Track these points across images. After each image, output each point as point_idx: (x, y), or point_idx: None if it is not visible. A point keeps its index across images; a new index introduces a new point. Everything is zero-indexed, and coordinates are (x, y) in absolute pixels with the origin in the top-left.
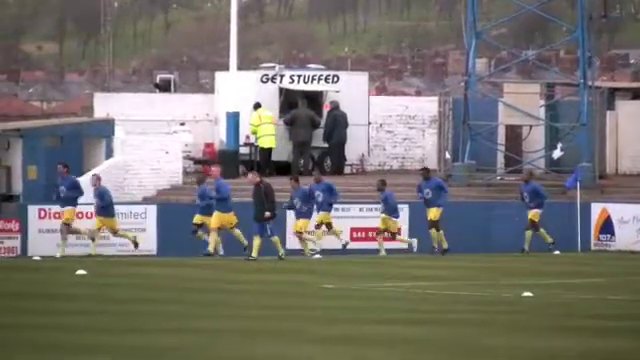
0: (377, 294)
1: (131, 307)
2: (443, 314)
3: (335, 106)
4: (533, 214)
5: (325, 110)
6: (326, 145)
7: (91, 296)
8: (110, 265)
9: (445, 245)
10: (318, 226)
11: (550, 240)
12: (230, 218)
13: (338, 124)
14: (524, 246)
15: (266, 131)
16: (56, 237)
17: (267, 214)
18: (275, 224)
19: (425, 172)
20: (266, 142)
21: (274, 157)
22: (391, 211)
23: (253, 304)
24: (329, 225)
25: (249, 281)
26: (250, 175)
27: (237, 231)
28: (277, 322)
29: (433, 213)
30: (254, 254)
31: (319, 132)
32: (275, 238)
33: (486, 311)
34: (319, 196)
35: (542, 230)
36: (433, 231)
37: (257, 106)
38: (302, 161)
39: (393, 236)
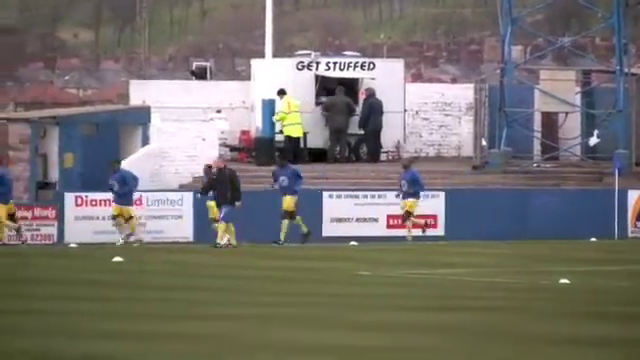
0: (413, 281)
1: (164, 294)
2: (479, 301)
3: (371, 93)
4: (410, 204)
5: (361, 97)
6: (362, 132)
7: (125, 283)
8: (147, 252)
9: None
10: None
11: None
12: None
13: (374, 111)
14: (406, 236)
15: (294, 119)
16: (92, 224)
17: (237, 204)
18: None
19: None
20: (293, 131)
21: (309, 144)
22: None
23: (287, 291)
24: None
25: (283, 268)
26: (214, 160)
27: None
28: (312, 309)
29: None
30: (226, 240)
31: (355, 119)
32: (222, 225)
33: (523, 298)
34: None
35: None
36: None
37: (281, 92)
38: (338, 148)
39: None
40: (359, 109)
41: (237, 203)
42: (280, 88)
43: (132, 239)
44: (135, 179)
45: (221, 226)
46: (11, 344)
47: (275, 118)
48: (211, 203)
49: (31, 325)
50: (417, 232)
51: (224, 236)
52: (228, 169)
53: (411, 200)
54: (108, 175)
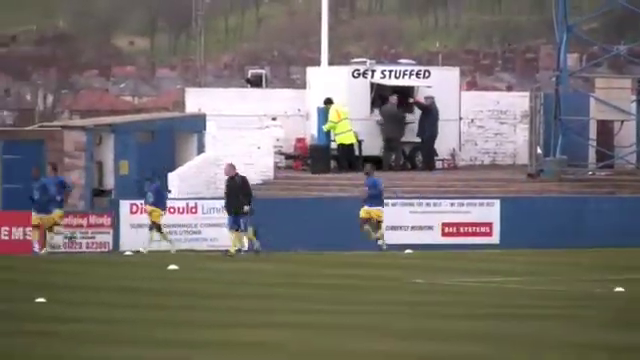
0: (468, 289)
1: (218, 302)
2: (533, 309)
3: (431, 102)
4: (377, 212)
5: (418, 102)
6: (417, 140)
7: (179, 291)
8: (202, 260)
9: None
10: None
11: (375, 236)
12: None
13: (432, 119)
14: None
15: (344, 127)
16: (147, 232)
17: (246, 208)
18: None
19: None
20: (346, 139)
21: (365, 152)
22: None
23: (341, 299)
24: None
25: (338, 276)
26: (226, 167)
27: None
28: (367, 317)
29: (366, 211)
30: (232, 249)
31: (411, 127)
32: (248, 233)
33: (576, 306)
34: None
35: (368, 227)
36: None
37: (328, 101)
38: (393, 156)
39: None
40: (413, 117)
41: (245, 207)
42: (326, 97)
43: (43, 251)
44: (65, 186)
45: (249, 234)
46: (71, 351)
47: (325, 128)
48: (150, 208)
49: (89, 333)
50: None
51: (237, 243)
52: (239, 176)
53: (377, 208)
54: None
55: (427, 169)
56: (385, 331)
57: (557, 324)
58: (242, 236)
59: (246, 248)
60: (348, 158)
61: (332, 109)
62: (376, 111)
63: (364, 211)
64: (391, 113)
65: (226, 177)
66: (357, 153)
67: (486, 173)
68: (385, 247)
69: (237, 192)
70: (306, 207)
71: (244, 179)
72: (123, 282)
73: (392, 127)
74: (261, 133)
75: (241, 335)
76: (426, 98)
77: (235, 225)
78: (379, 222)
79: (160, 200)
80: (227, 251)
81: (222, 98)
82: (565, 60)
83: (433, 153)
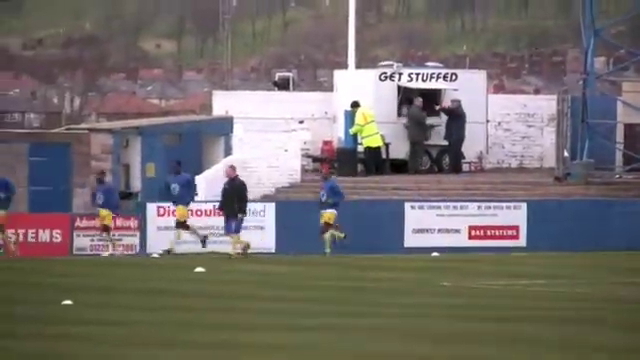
0: (494, 292)
1: (246, 304)
2: (558, 312)
3: (458, 105)
4: (328, 216)
5: (446, 106)
6: (444, 143)
7: (207, 293)
8: (229, 262)
9: (336, 238)
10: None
11: (342, 235)
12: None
13: (459, 122)
14: (325, 250)
15: (371, 130)
16: (174, 234)
17: (240, 215)
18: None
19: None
20: (372, 141)
21: (391, 155)
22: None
23: (369, 301)
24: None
25: (365, 278)
26: (228, 168)
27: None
28: (394, 320)
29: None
30: (233, 252)
31: (437, 130)
32: (235, 236)
33: (603, 309)
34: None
35: (332, 232)
36: (326, 235)
37: (355, 104)
38: (424, 160)
39: (327, 228)
40: (440, 120)
41: (239, 215)
42: (353, 100)
43: None
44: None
45: (235, 238)
46: (99, 354)
47: (352, 131)
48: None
49: (116, 335)
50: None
51: (236, 246)
52: (239, 180)
53: (329, 211)
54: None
55: (454, 172)
56: (411, 334)
57: (584, 327)
58: (235, 238)
59: (239, 250)
60: (375, 161)
61: (359, 112)
62: (403, 114)
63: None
64: (415, 116)
65: (226, 179)
66: (384, 156)
67: (513, 176)
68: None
69: (234, 195)
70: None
71: (243, 184)
72: (150, 284)
73: (416, 130)
74: (288, 136)
75: (268, 338)
76: (452, 101)
77: (230, 228)
78: (328, 225)
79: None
80: (229, 255)
81: (249, 101)
82: (592, 63)
83: (460, 156)
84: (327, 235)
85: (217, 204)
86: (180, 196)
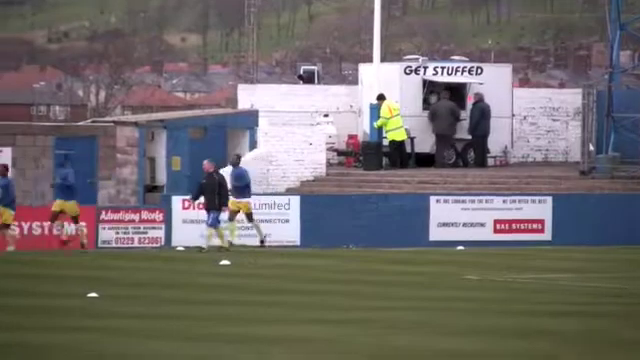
0: (520, 286)
1: (271, 297)
2: (585, 306)
3: (480, 98)
4: (244, 205)
5: (469, 102)
6: (469, 137)
7: (232, 286)
8: (254, 255)
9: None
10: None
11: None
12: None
13: (483, 116)
14: (261, 238)
15: (396, 124)
16: (199, 227)
17: (225, 208)
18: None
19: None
20: (397, 135)
21: (416, 148)
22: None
23: (394, 295)
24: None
25: (390, 272)
26: (205, 162)
27: None
28: (419, 313)
29: (235, 203)
30: (224, 244)
31: (462, 124)
32: (210, 230)
33: (628, 303)
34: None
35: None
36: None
37: (381, 97)
38: (449, 153)
39: (249, 218)
40: (466, 114)
41: (224, 207)
42: (379, 93)
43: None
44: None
45: (209, 231)
46: (122, 347)
47: (376, 124)
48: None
49: (141, 328)
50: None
51: (209, 240)
52: (217, 174)
53: (245, 200)
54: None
55: (479, 166)
56: (436, 327)
57: (609, 321)
58: (210, 231)
59: (213, 244)
60: (399, 155)
61: (384, 105)
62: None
63: (233, 203)
64: (444, 109)
65: (206, 173)
66: (409, 150)
67: (538, 170)
68: (265, 239)
69: (214, 189)
70: (358, 204)
71: (223, 178)
72: (175, 277)
73: (444, 123)
74: (313, 129)
75: (292, 331)
76: (475, 94)
77: (213, 221)
78: (249, 214)
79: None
80: (219, 247)
81: (274, 94)
82: (618, 57)
83: (485, 150)
84: (257, 224)
85: (190, 196)
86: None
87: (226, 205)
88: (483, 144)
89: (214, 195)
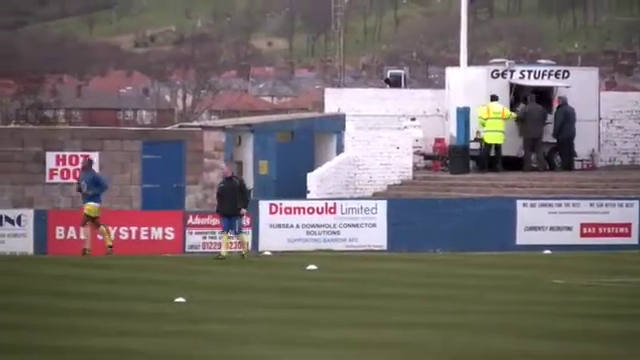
0: (607, 290)
1: (355, 301)
2: None
3: (563, 102)
4: (89, 208)
5: (554, 105)
6: (555, 141)
7: (320, 291)
8: (341, 260)
9: (109, 243)
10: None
11: (109, 244)
12: None
13: (568, 119)
14: (85, 247)
15: (493, 126)
16: (287, 232)
17: (243, 211)
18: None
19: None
20: (492, 138)
21: (504, 152)
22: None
23: (481, 299)
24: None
25: (475, 276)
26: (224, 166)
27: None
28: (507, 317)
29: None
30: (223, 252)
31: (548, 128)
32: (242, 236)
33: None
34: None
35: (103, 228)
36: (101, 228)
37: (493, 98)
38: (534, 156)
39: (96, 222)
40: (552, 117)
41: (243, 210)
42: (492, 94)
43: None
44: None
45: (242, 237)
46: (211, 351)
47: (477, 123)
48: None
49: (230, 333)
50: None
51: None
52: (236, 177)
53: (91, 204)
54: (303, 183)
55: (565, 169)
56: (524, 331)
57: None
58: (243, 237)
59: (247, 250)
60: (489, 158)
61: (484, 106)
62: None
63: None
64: (537, 112)
65: (223, 177)
66: (492, 153)
67: (625, 174)
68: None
69: (233, 194)
70: (444, 207)
71: (242, 182)
72: (264, 282)
73: (537, 127)
74: (400, 133)
75: (383, 335)
76: (558, 98)
77: (231, 227)
78: (95, 218)
79: None
80: (219, 254)
81: (361, 98)
82: None
83: (572, 153)
84: (100, 229)
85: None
86: None
87: (245, 207)
88: (569, 147)
89: (233, 200)
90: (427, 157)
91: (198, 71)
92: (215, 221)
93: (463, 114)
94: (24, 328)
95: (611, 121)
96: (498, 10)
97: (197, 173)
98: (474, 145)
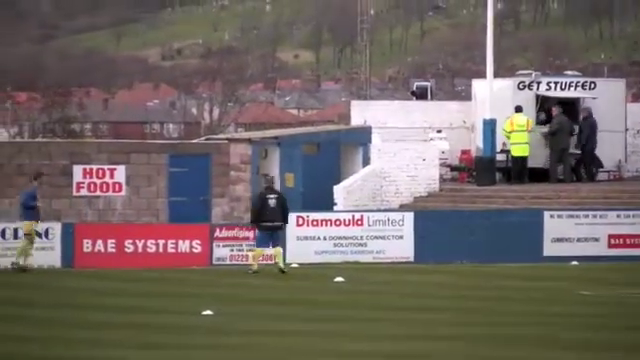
0: (635, 301)
1: (382, 314)
2: None
3: (589, 113)
4: (27, 225)
5: (585, 118)
6: (579, 152)
7: (348, 303)
8: (368, 272)
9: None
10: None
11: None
12: None
13: (594, 132)
14: (17, 260)
15: (518, 139)
16: (314, 244)
17: (284, 226)
18: (531, 228)
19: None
20: (517, 150)
21: (530, 164)
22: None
23: (508, 311)
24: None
25: (502, 287)
26: (264, 180)
27: None
28: (535, 328)
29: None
30: (255, 266)
31: (573, 139)
32: (278, 249)
33: None
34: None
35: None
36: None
37: (518, 109)
38: (561, 168)
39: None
40: (576, 129)
41: (284, 225)
42: (517, 105)
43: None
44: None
45: (277, 250)
46: None
47: (502, 134)
48: None
49: (259, 345)
50: None
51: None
52: (280, 192)
53: (29, 222)
54: (330, 195)
55: (590, 180)
56: (551, 342)
57: None
58: (279, 251)
59: (282, 265)
60: (515, 170)
61: (508, 119)
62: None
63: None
64: (567, 124)
65: (264, 190)
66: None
67: None
68: (19, 265)
69: (279, 209)
70: (471, 219)
71: (283, 196)
72: (291, 294)
73: (566, 138)
74: (426, 145)
75: (410, 347)
76: (583, 109)
77: (268, 241)
78: (27, 235)
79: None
80: (252, 270)
81: (387, 110)
82: None
83: (594, 164)
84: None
85: (251, 218)
86: None
87: (286, 223)
88: (592, 158)
89: (279, 215)
90: (453, 169)
91: (225, 84)
92: (243, 233)
93: (489, 126)
94: (47, 340)
95: (638, 132)
96: (524, 21)
97: (223, 186)
98: (500, 157)
